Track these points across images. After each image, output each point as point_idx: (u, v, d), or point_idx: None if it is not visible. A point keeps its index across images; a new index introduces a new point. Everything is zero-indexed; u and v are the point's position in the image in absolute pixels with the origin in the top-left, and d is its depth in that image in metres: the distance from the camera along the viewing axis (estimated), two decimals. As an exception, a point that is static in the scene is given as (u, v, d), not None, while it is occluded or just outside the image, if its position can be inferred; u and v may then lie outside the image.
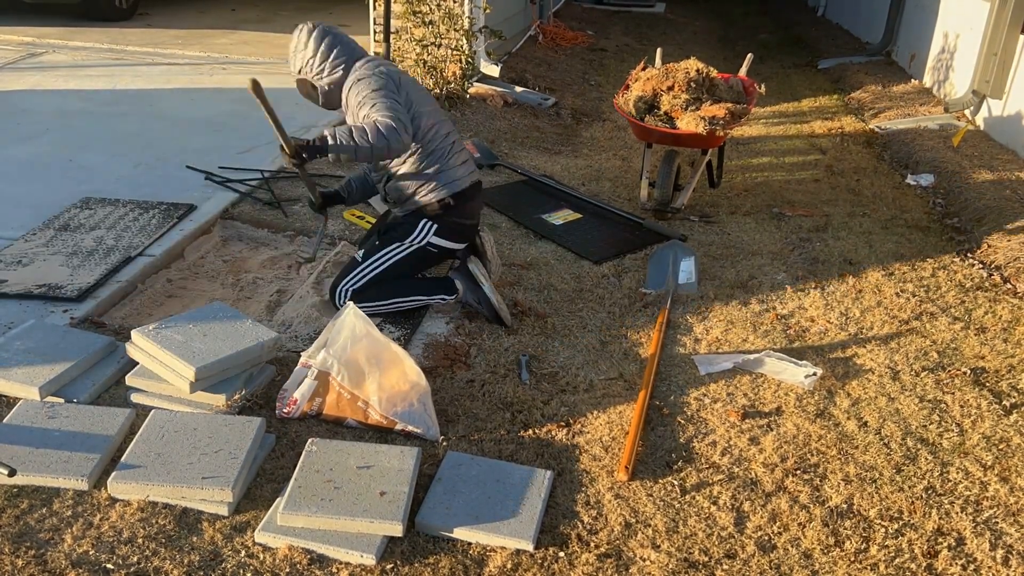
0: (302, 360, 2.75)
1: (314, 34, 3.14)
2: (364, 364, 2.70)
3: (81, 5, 8.73)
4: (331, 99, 3.21)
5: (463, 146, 3.35)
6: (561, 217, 4.50)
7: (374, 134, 2.94)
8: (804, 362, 3.06)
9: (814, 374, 2.99)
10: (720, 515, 2.43)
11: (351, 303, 2.81)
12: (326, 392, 2.70)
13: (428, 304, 3.37)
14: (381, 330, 2.86)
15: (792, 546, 2.32)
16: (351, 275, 3.26)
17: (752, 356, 3.11)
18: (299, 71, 3.19)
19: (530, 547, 2.26)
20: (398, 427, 2.67)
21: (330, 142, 2.96)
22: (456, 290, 3.33)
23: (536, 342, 3.32)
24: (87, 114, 5.64)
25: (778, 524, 2.40)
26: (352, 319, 2.74)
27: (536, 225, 4.39)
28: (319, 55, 3.13)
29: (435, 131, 3.20)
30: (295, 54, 3.18)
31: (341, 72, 3.15)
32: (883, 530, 2.39)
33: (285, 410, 2.72)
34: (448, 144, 3.25)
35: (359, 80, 3.09)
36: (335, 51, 3.14)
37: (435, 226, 3.26)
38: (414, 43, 6.31)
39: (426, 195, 3.23)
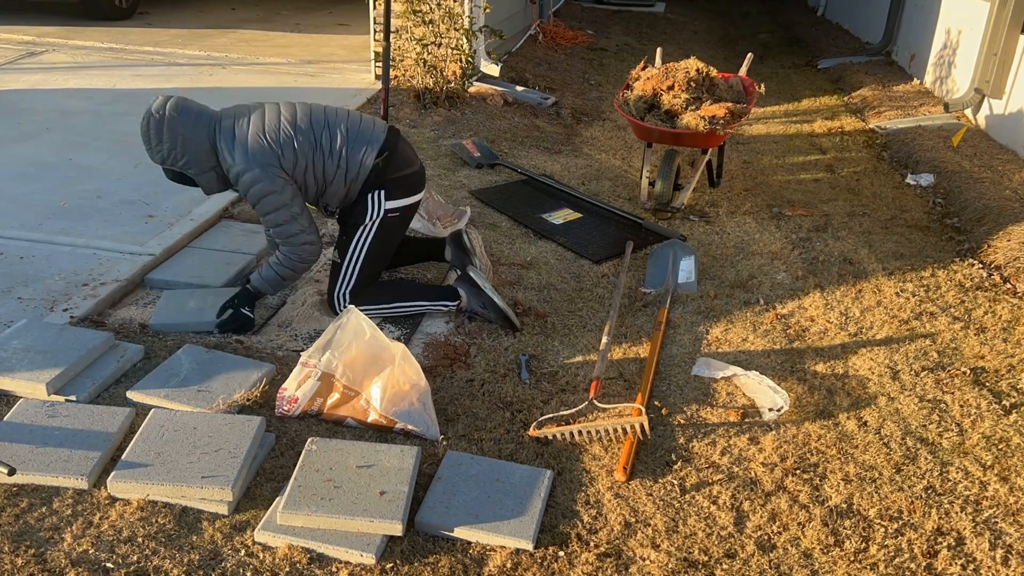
0: (302, 360, 2.75)
1: (163, 124, 2.91)
2: (366, 364, 2.70)
3: (81, 4, 8.72)
4: (212, 187, 3.08)
5: (347, 116, 3.17)
6: (561, 216, 4.50)
7: (296, 269, 3.16)
8: (781, 393, 2.93)
9: (780, 409, 2.87)
10: (720, 515, 2.43)
11: (352, 306, 2.81)
12: (328, 392, 2.71)
13: (430, 310, 3.35)
14: (381, 329, 2.86)
15: (792, 546, 2.33)
16: (340, 279, 3.23)
17: (742, 373, 3.06)
18: (163, 163, 3.00)
19: (530, 546, 2.26)
20: (398, 426, 2.67)
21: (263, 289, 3.19)
22: (459, 297, 3.32)
23: (536, 342, 3.32)
24: (87, 113, 5.64)
25: (778, 524, 2.40)
26: (355, 320, 2.74)
27: (536, 224, 4.39)
28: (178, 146, 2.94)
29: (312, 148, 3.07)
30: (148, 148, 2.97)
31: (195, 153, 2.97)
32: (883, 530, 2.39)
33: (285, 407, 2.72)
34: (331, 138, 3.09)
35: (249, 184, 2.98)
36: (184, 137, 2.93)
37: (380, 191, 3.18)
38: (414, 42, 6.31)
39: (356, 182, 3.16)
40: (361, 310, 2.88)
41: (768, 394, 2.92)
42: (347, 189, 3.17)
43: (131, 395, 2.74)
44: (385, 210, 3.19)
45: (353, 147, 3.11)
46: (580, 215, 4.54)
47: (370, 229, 3.21)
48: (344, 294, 3.23)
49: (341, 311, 3.07)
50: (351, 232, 3.23)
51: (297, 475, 2.37)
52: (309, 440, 2.51)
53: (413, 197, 3.28)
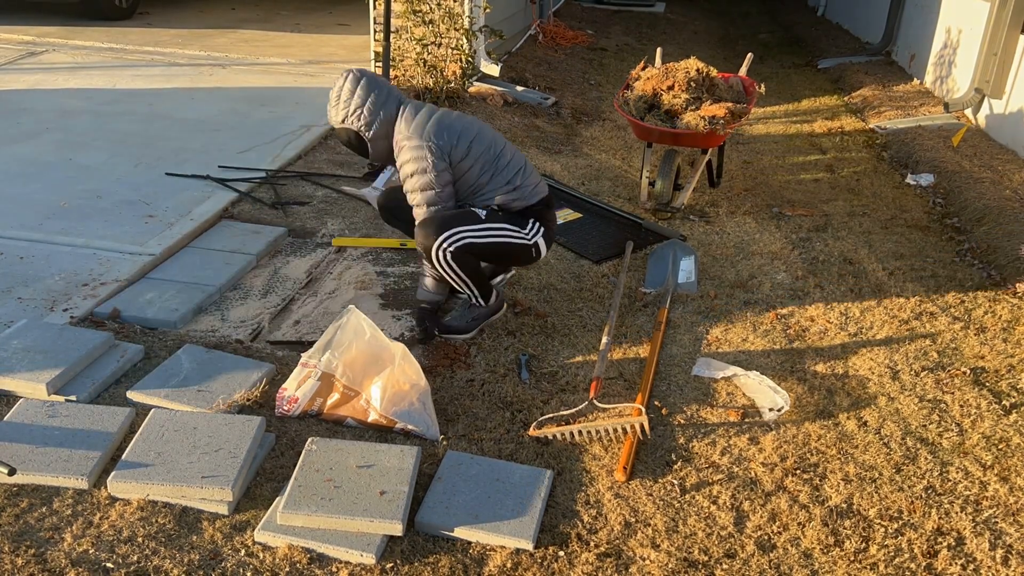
0: (302, 360, 2.75)
1: (361, 82, 3.03)
2: (366, 364, 2.70)
3: (81, 4, 8.72)
4: (380, 155, 3.14)
5: (523, 162, 3.23)
6: (561, 216, 4.50)
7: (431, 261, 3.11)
8: (781, 393, 2.93)
9: (780, 409, 2.87)
10: (720, 515, 2.43)
11: (352, 306, 2.81)
12: (328, 392, 2.71)
13: (466, 294, 3.25)
14: (380, 327, 2.86)
15: (792, 545, 2.32)
16: (465, 226, 3.05)
17: (742, 373, 3.06)
18: (342, 120, 3.07)
19: (530, 546, 2.26)
20: (398, 426, 2.67)
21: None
22: (492, 298, 3.31)
23: (536, 342, 3.32)
24: (87, 113, 5.64)
25: (778, 523, 2.40)
26: (355, 320, 2.74)
27: None
28: (367, 104, 3.03)
29: (486, 155, 3.11)
30: (336, 105, 3.06)
31: (382, 120, 3.06)
32: (883, 530, 2.39)
33: (285, 407, 2.72)
34: (508, 161, 3.16)
35: (405, 149, 3.03)
36: (376, 99, 3.04)
37: (542, 228, 3.20)
38: (414, 42, 6.31)
39: (527, 197, 3.17)
40: (449, 264, 3.02)
41: (768, 394, 2.92)
42: (509, 199, 3.14)
43: (131, 395, 2.74)
44: (535, 243, 3.19)
45: (527, 174, 3.18)
46: (580, 215, 4.54)
47: (518, 238, 3.14)
48: (448, 249, 3.04)
49: (437, 258, 3.03)
50: (504, 220, 3.13)
51: (297, 475, 2.37)
52: (309, 440, 2.51)
53: (546, 251, 3.27)
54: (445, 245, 3.01)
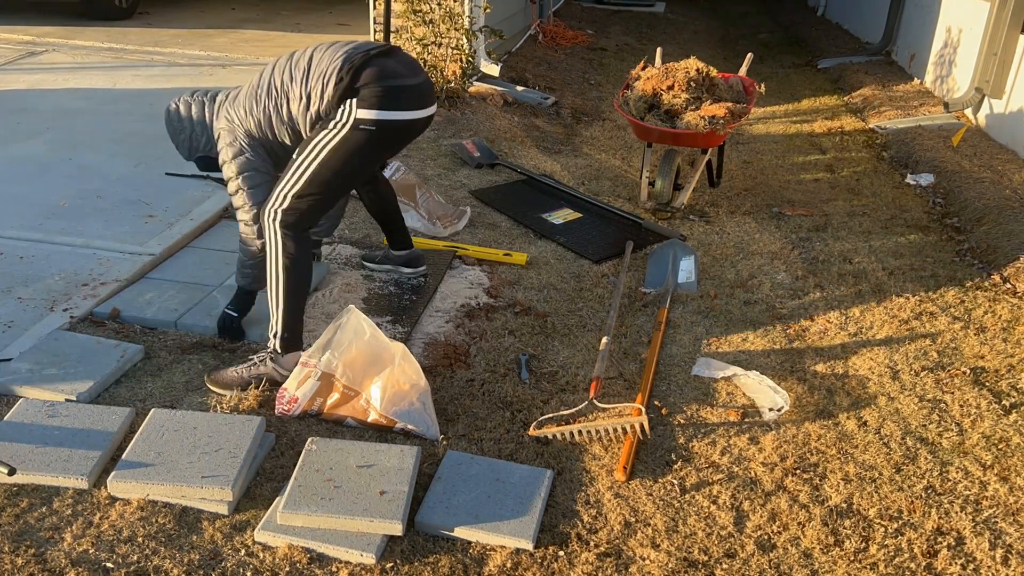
0: (302, 360, 2.74)
1: (180, 109, 2.96)
2: (366, 364, 2.70)
3: (81, 4, 8.72)
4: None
5: (331, 45, 2.81)
6: (561, 216, 4.50)
7: (241, 249, 2.94)
8: (781, 393, 2.92)
9: (780, 409, 2.85)
10: (720, 514, 2.43)
11: (352, 306, 2.80)
12: (328, 392, 2.71)
13: (272, 314, 2.84)
14: (381, 328, 2.86)
15: (792, 545, 2.33)
16: (279, 185, 2.75)
17: (742, 373, 3.05)
18: (190, 154, 3.03)
19: (530, 546, 2.26)
20: (398, 426, 2.67)
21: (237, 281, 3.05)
22: (289, 361, 2.84)
23: (536, 342, 3.32)
24: (87, 113, 5.64)
25: (778, 523, 2.40)
26: (355, 319, 2.74)
27: (536, 224, 4.39)
28: (196, 126, 2.96)
29: (268, 94, 2.81)
30: (177, 139, 3.01)
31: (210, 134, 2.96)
32: (883, 529, 2.39)
33: (285, 407, 2.72)
34: (292, 77, 2.78)
35: (216, 141, 2.90)
36: (202, 113, 2.94)
37: (352, 99, 2.66)
38: (414, 42, 6.31)
39: (324, 94, 2.72)
40: (289, 235, 2.73)
41: (768, 394, 2.92)
42: (310, 125, 2.78)
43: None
44: (355, 119, 2.66)
45: (312, 78, 2.73)
46: (580, 215, 4.54)
47: (331, 137, 2.68)
48: (277, 209, 2.73)
49: (266, 229, 2.76)
50: (315, 133, 2.73)
51: (297, 475, 2.37)
52: (309, 440, 2.51)
53: (400, 112, 2.71)
54: (270, 213, 2.75)
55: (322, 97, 2.71)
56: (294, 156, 2.77)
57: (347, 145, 2.69)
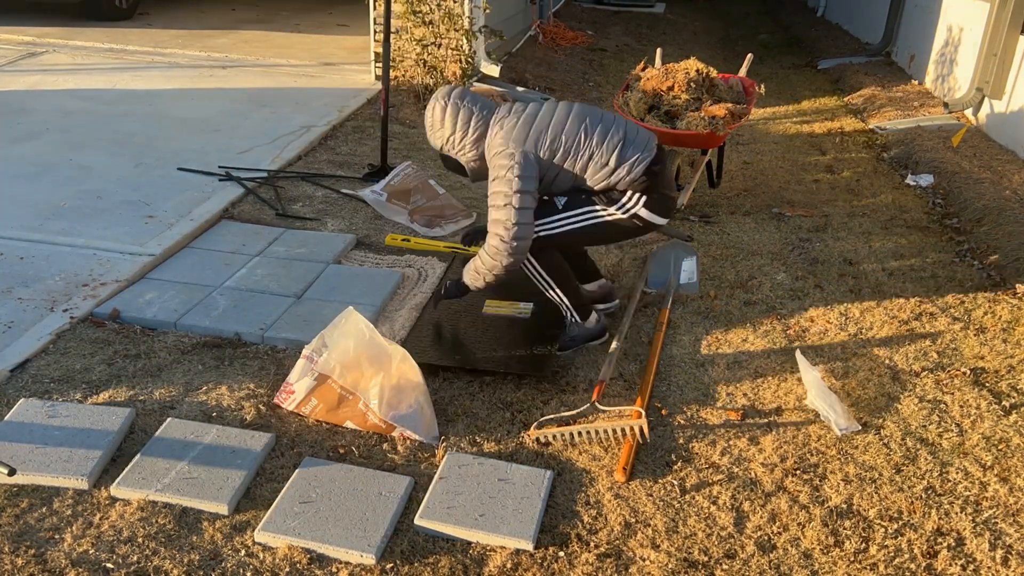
0: (304, 352, 2.74)
1: (448, 108, 2.99)
2: (365, 366, 2.70)
3: (81, 5, 8.72)
4: (479, 174, 3.09)
5: (625, 122, 3.08)
6: None
7: (484, 262, 2.98)
8: (838, 413, 2.86)
9: (845, 428, 2.82)
10: (720, 515, 2.43)
11: (351, 307, 2.80)
12: (326, 394, 2.70)
13: (560, 307, 3.19)
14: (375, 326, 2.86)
15: (792, 546, 2.33)
16: (541, 220, 2.98)
17: (814, 386, 2.96)
18: (440, 148, 3.08)
19: (530, 547, 2.26)
20: (396, 431, 2.67)
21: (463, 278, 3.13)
22: (590, 319, 3.20)
23: (536, 342, 3.31)
24: (87, 114, 5.64)
25: (778, 524, 2.40)
26: (353, 322, 2.74)
27: None
28: (458, 130, 3.00)
29: (595, 136, 2.99)
30: (432, 132, 3.06)
31: (478, 140, 3.01)
32: (883, 530, 2.39)
33: (282, 396, 2.73)
34: (605, 134, 3.00)
35: (495, 155, 2.96)
36: (471, 121, 2.99)
37: (643, 197, 3.01)
38: (414, 43, 6.32)
39: (625, 176, 2.98)
40: (521, 262, 2.95)
41: (829, 414, 2.86)
42: (607, 184, 3.02)
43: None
44: (635, 214, 3.05)
45: (628, 148, 2.99)
46: None
47: (608, 214, 3.04)
48: (522, 242, 2.92)
49: (507, 251, 2.91)
50: (586, 201, 3.04)
51: (280, 501, 2.36)
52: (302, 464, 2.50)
53: (658, 218, 3.10)
54: (513, 237, 2.91)
55: (620, 178, 2.99)
56: (569, 204, 3.06)
57: (614, 224, 3.08)
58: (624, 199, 3.03)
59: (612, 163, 2.97)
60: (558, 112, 3.03)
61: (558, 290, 3.15)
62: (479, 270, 3.02)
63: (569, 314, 3.21)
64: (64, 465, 2.39)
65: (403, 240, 4.05)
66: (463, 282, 3.13)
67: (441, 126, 3.01)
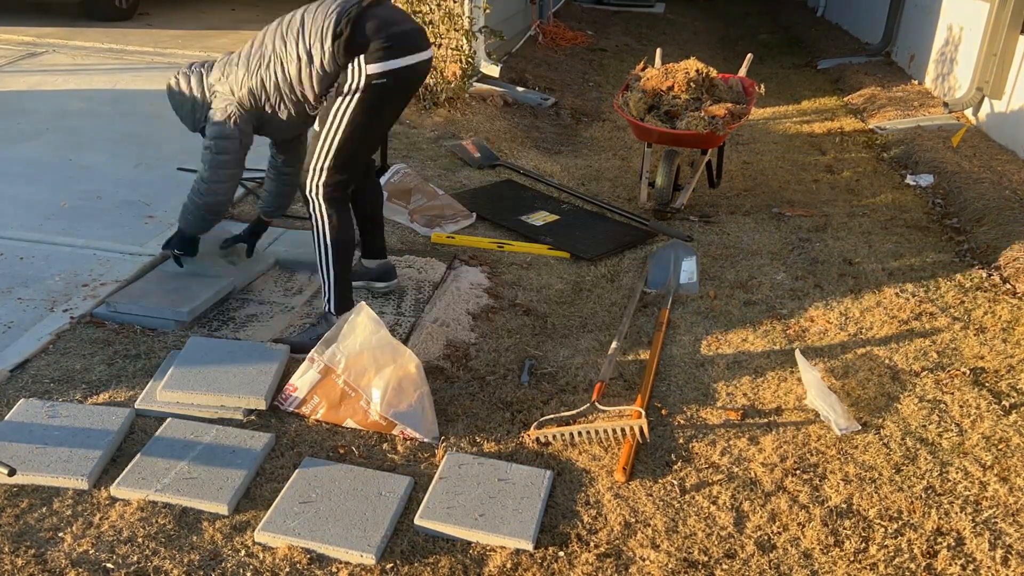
0: (310, 356, 2.74)
1: (179, 86, 3.17)
2: (369, 364, 2.70)
3: (81, 5, 8.72)
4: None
5: (321, 3, 2.87)
6: (540, 218, 4.43)
7: (191, 200, 3.08)
8: (838, 413, 2.86)
9: (845, 428, 2.83)
10: (720, 515, 2.43)
11: (363, 302, 2.78)
12: (328, 390, 2.70)
13: (325, 283, 3.04)
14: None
15: (792, 546, 2.33)
16: (315, 153, 2.86)
17: (814, 386, 2.96)
18: (185, 119, 3.14)
19: (530, 546, 2.26)
20: (396, 430, 2.67)
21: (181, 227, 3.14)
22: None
23: (536, 342, 3.32)
24: (87, 114, 5.64)
25: (778, 524, 2.40)
26: (365, 317, 2.73)
27: (519, 227, 4.32)
28: (192, 88, 3.13)
29: (261, 62, 2.91)
30: (179, 114, 3.16)
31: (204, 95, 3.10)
32: (883, 530, 2.39)
33: (283, 397, 2.73)
34: (284, 41, 2.88)
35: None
36: (196, 79, 3.13)
37: (359, 56, 2.75)
38: (414, 43, 6.30)
39: (325, 50, 2.79)
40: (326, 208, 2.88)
41: (829, 413, 2.86)
42: (318, 82, 2.85)
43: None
44: (367, 76, 2.76)
45: (309, 36, 2.81)
46: (558, 217, 4.48)
47: (348, 101, 2.80)
48: (317, 184, 2.90)
49: (311, 205, 2.93)
50: (331, 102, 2.85)
51: (279, 502, 2.36)
52: (301, 463, 2.51)
53: (407, 58, 2.81)
54: (312, 188, 2.91)
55: (323, 50, 2.78)
56: (316, 128, 2.87)
57: (366, 104, 2.79)
58: (348, 78, 2.78)
59: (306, 47, 2.81)
60: (256, 40, 2.99)
61: (332, 266, 2.97)
62: (191, 205, 3.11)
63: (326, 297, 3.03)
64: (64, 465, 2.39)
65: (448, 237, 4.13)
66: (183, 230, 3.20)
67: (183, 102, 3.19)
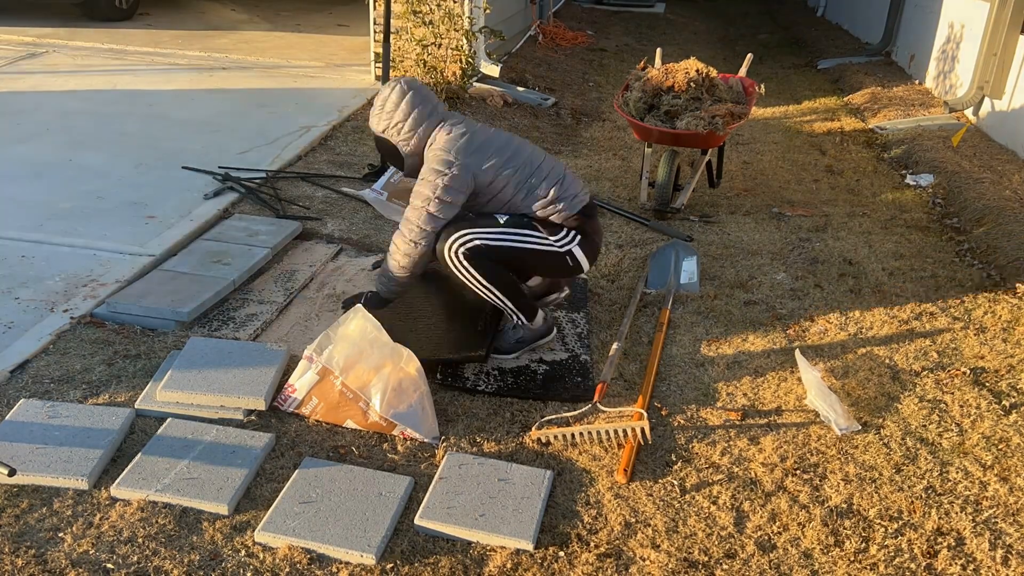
0: (305, 354, 2.75)
1: (407, 96, 2.98)
2: (367, 364, 2.70)
3: (82, 5, 8.72)
4: (413, 168, 3.08)
5: (562, 174, 3.10)
6: None
7: (391, 254, 2.99)
8: (837, 413, 2.86)
9: (845, 428, 2.83)
10: (720, 515, 2.43)
11: (359, 304, 2.79)
12: (327, 392, 2.70)
13: (504, 311, 3.10)
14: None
15: (792, 546, 2.33)
16: (481, 230, 2.95)
17: (814, 386, 2.97)
18: (382, 131, 3.04)
19: (530, 547, 2.26)
20: (396, 430, 2.67)
21: (382, 293, 3.09)
22: (537, 319, 3.15)
23: (536, 342, 3.31)
24: (87, 114, 5.64)
25: (778, 524, 2.40)
26: (360, 320, 2.74)
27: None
28: (410, 120, 2.98)
29: (537, 169, 3.04)
30: (381, 112, 3.02)
31: (420, 137, 3.01)
32: (883, 530, 2.39)
33: (282, 398, 2.73)
34: (548, 178, 3.05)
35: (434, 154, 2.96)
36: (424, 114, 3.00)
37: (578, 237, 3.05)
38: (414, 43, 6.31)
39: (561, 211, 3.03)
40: (462, 266, 2.92)
41: (829, 413, 2.86)
42: (547, 212, 3.04)
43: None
44: (570, 251, 3.05)
45: (565, 187, 3.04)
46: None
47: (546, 245, 3.02)
48: (468, 243, 2.93)
49: (449, 258, 2.94)
50: (532, 226, 3.02)
51: (280, 501, 2.36)
52: (302, 463, 2.51)
53: (587, 262, 3.12)
54: (456, 245, 2.92)
55: (557, 211, 3.03)
56: (511, 222, 3.01)
57: (547, 255, 3.05)
58: (563, 233, 3.04)
59: (552, 195, 3.02)
60: (506, 137, 3.08)
61: (499, 294, 3.05)
62: (386, 272, 3.04)
63: (514, 316, 3.12)
64: (64, 465, 2.39)
65: None
66: (380, 292, 3.11)
67: (395, 108, 2.98)
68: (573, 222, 3.06)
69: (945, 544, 2.34)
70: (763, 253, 4.22)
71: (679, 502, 2.47)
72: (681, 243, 4.19)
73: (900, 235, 4.51)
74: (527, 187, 3.02)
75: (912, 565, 2.27)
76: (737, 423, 2.85)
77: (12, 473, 2.32)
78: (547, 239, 3.03)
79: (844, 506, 2.47)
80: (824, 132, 6.66)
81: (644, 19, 11.78)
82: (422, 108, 2.98)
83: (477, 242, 2.94)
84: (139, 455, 2.46)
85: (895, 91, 7.49)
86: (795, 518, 2.42)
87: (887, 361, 3.24)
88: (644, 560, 2.26)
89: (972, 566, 2.27)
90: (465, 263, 2.94)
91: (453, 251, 2.93)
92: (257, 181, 4.60)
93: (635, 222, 4.51)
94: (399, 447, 2.65)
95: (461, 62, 6.39)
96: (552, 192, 3.02)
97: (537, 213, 3.04)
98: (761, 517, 2.42)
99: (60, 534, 2.22)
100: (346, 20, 9.68)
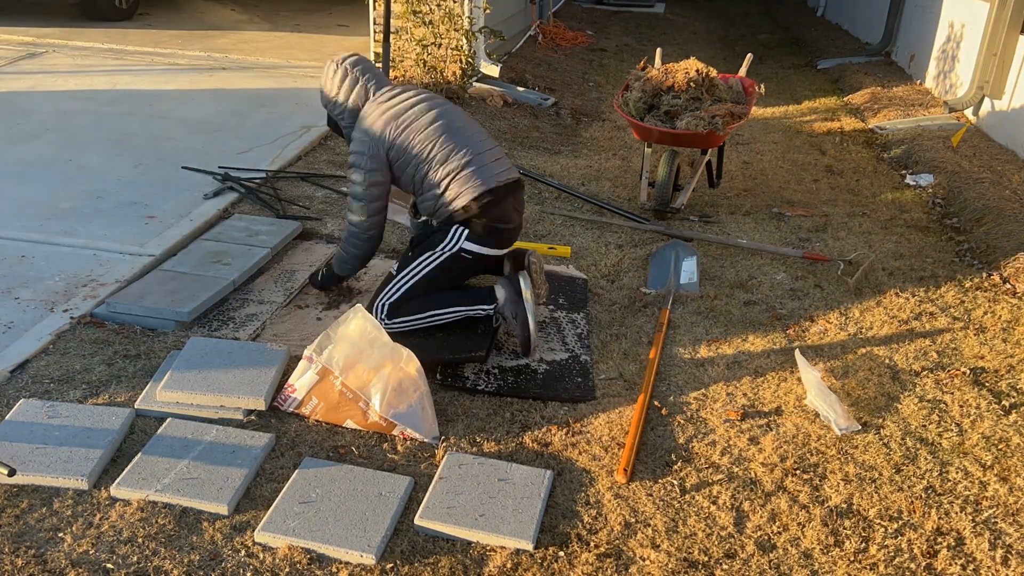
0: (305, 354, 2.75)
1: (338, 73, 3.17)
2: (367, 364, 2.70)
3: (81, 5, 8.72)
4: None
5: (489, 147, 3.19)
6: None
7: (344, 248, 3.27)
8: (837, 413, 2.86)
9: (845, 428, 2.83)
10: (720, 515, 2.43)
11: (359, 304, 2.80)
12: (327, 392, 2.70)
13: (467, 316, 3.15)
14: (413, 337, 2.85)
15: (792, 546, 2.33)
16: (387, 289, 3.13)
17: (814, 385, 2.97)
18: (324, 104, 3.24)
19: (530, 547, 2.26)
20: (396, 430, 2.67)
21: (335, 271, 3.37)
22: (495, 299, 3.14)
23: (536, 342, 3.31)
24: (87, 114, 5.64)
25: (778, 524, 2.40)
26: (360, 320, 2.74)
27: None
28: (341, 94, 3.17)
29: (439, 154, 3.09)
30: (323, 92, 3.23)
31: (354, 110, 3.19)
32: (883, 530, 2.39)
33: (282, 398, 2.73)
34: (462, 155, 3.09)
35: (356, 137, 3.13)
36: (354, 90, 3.17)
37: (466, 230, 3.09)
38: (414, 43, 6.32)
39: (452, 201, 3.08)
40: (398, 322, 3.04)
41: (830, 414, 2.86)
42: (437, 209, 3.13)
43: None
44: (461, 248, 3.11)
45: (464, 174, 3.07)
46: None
47: (438, 257, 3.12)
48: (384, 304, 3.11)
49: (380, 320, 3.07)
50: (419, 252, 3.15)
51: (280, 502, 2.36)
52: (301, 464, 2.51)
53: (494, 250, 3.16)
54: (381, 315, 3.10)
55: (444, 203, 3.09)
56: (402, 267, 3.15)
57: (446, 265, 3.13)
58: (446, 239, 3.11)
59: (443, 184, 3.08)
60: (425, 117, 3.13)
61: (446, 310, 3.13)
62: (341, 256, 3.30)
63: (479, 313, 3.15)
64: (64, 465, 2.39)
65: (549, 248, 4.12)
66: (334, 271, 3.39)
67: (329, 88, 3.19)
68: (465, 212, 3.06)
69: (945, 544, 2.34)
70: (763, 253, 4.22)
71: (679, 502, 2.47)
72: (681, 243, 4.19)
73: (900, 235, 4.51)
74: (423, 168, 3.09)
75: (912, 565, 2.27)
76: (737, 423, 2.85)
77: (12, 473, 2.32)
78: (435, 251, 3.11)
79: (844, 506, 2.47)
80: (824, 132, 6.66)
81: (644, 19, 11.78)
82: (351, 83, 3.15)
83: (387, 300, 3.11)
84: (139, 455, 2.46)
85: (895, 91, 7.49)
86: (795, 518, 2.42)
87: (887, 361, 3.24)
88: (644, 560, 2.26)
89: (972, 566, 2.27)
90: (397, 319, 3.09)
91: (383, 320, 3.09)
92: (257, 181, 4.60)
93: (634, 221, 4.51)
94: (399, 447, 2.65)
95: (461, 62, 6.39)
96: (444, 181, 3.07)
97: (427, 204, 3.14)
98: (761, 517, 2.43)
99: (60, 534, 2.22)
100: (346, 20, 9.68)
